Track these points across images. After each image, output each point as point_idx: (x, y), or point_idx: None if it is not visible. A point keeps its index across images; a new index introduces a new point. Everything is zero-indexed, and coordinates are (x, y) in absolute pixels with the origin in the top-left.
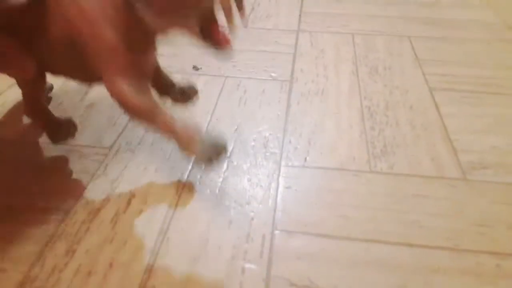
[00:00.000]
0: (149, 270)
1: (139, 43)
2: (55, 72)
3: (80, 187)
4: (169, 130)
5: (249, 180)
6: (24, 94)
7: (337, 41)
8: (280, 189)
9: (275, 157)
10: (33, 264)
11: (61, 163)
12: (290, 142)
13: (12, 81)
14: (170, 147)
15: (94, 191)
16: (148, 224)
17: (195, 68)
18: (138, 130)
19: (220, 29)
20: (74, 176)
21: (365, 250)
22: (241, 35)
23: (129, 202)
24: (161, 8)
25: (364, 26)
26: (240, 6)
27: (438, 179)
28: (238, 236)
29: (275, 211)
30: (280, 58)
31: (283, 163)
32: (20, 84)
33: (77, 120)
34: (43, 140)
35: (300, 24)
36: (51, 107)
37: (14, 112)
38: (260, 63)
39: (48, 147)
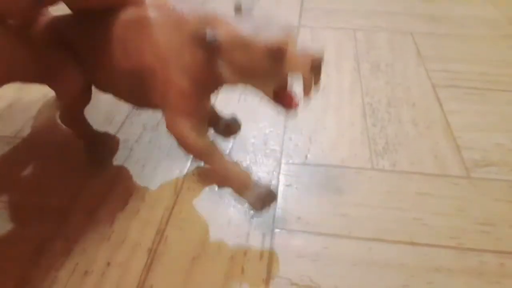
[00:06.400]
0: (147, 270)
1: (208, 89)
2: (104, 91)
3: (77, 185)
4: (223, 173)
5: None
6: (63, 104)
7: (338, 37)
8: (281, 187)
9: (276, 154)
10: (29, 263)
11: (58, 160)
12: (290, 139)
13: None
14: (168, 144)
15: (91, 189)
16: (146, 222)
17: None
18: (135, 128)
19: (292, 95)
20: (71, 174)
21: (367, 249)
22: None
23: (126, 201)
24: (242, 71)
25: (365, 22)
26: (317, 80)
27: (441, 177)
28: (237, 235)
29: (275, 209)
30: None
31: (283, 160)
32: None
33: None
34: (42, 139)
35: (301, 20)
36: (46, 104)
37: (9, 110)
38: None
39: (43, 145)
